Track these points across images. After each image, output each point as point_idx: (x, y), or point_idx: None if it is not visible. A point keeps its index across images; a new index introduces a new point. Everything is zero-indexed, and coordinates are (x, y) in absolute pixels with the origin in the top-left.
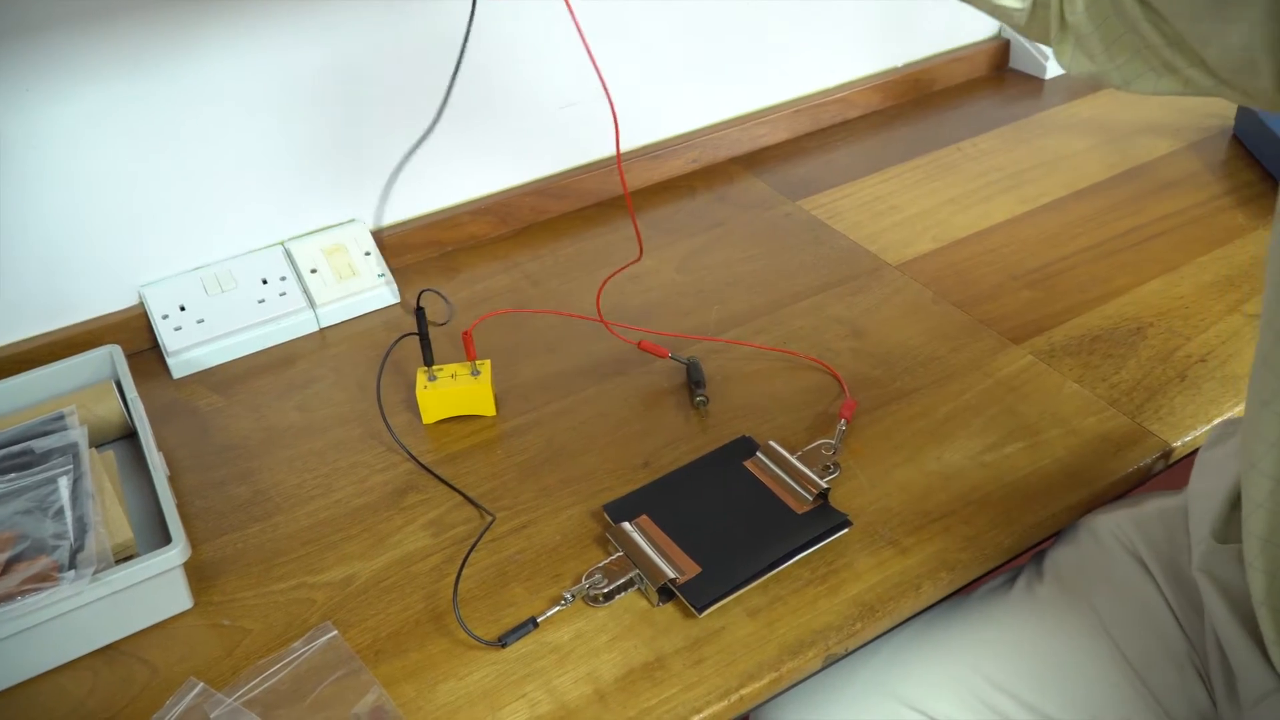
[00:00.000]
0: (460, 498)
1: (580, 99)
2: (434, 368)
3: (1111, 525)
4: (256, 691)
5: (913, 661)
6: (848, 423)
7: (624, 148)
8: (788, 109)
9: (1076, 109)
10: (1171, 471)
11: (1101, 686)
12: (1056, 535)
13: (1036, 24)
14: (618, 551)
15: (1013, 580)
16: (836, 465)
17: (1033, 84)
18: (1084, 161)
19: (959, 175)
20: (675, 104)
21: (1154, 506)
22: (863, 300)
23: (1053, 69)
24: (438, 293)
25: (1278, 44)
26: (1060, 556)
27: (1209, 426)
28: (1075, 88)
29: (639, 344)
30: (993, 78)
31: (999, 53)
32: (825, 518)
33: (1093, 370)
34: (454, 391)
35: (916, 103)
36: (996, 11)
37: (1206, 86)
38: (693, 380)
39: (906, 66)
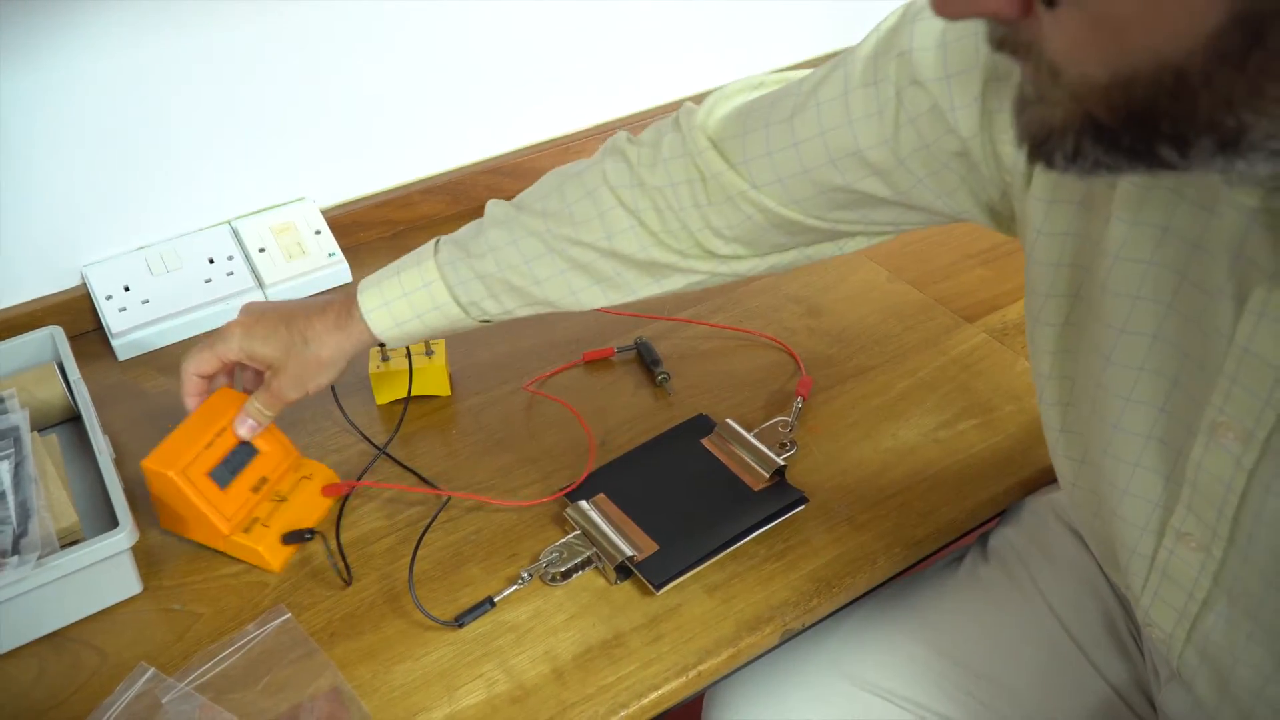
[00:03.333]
0: (415, 478)
1: (537, 77)
2: (387, 348)
3: (1054, 505)
4: (209, 675)
5: (866, 642)
6: (804, 400)
7: (576, 126)
8: None
9: None
10: None
11: (1045, 659)
12: (1000, 516)
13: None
14: (575, 530)
15: (959, 560)
16: (793, 443)
17: None
18: None
19: None
20: (629, 82)
21: None
22: (819, 279)
23: None
24: None
25: (981, 209)
26: (1004, 537)
27: None
28: None
29: (583, 357)
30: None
31: None
32: (782, 495)
33: None
34: (407, 372)
35: None
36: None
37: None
38: (649, 361)
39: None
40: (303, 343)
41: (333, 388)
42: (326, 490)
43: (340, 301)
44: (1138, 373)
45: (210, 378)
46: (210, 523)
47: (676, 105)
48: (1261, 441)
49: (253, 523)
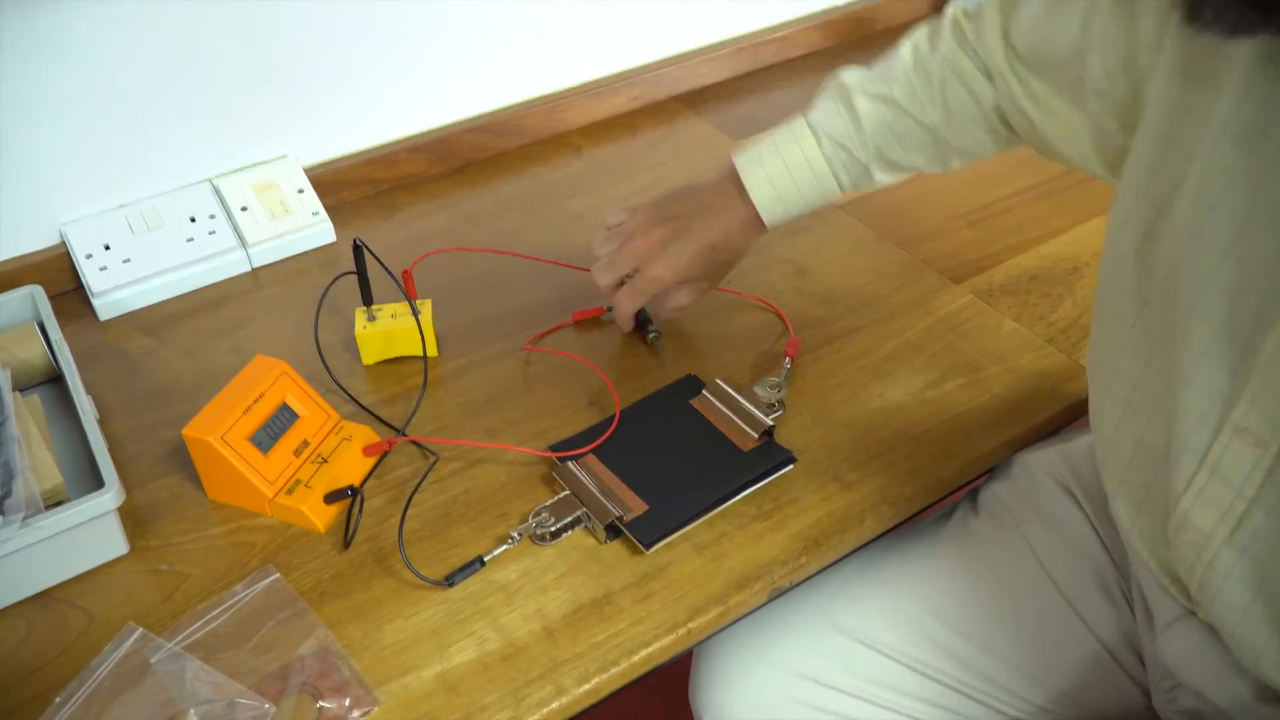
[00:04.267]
0: (402, 438)
1: (523, 34)
2: (373, 307)
3: (1043, 461)
4: (198, 635)
5: (855, 594)
6: (792, 361)
7: (563, 84)
8: (729, 47)
9: None
10: None
11: (1034, 612)
12: (990, 472)
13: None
14: (564, 490)
15: (949, 515)
16: (781, 403)
17: None
18: None
19: None
20: (615, 39)
21: (1084, 442)
22: (806, 240)
23: None
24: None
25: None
26: (994, 492)
27: None
28: None
29: (572, 317)
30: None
31: None
32: (770, 455)
33: (1030, 309)
34: (394, 331)
35: (858, 42)
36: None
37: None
38: (640, 320)
39: (848, 5)
40: (721, 251)
41: (320, 350)
42: (367, 450)
43: (728, 194)
44: (1221, 258)
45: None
46: (254, 487)
47: (669, 61)
48: None
49: (295, 485)
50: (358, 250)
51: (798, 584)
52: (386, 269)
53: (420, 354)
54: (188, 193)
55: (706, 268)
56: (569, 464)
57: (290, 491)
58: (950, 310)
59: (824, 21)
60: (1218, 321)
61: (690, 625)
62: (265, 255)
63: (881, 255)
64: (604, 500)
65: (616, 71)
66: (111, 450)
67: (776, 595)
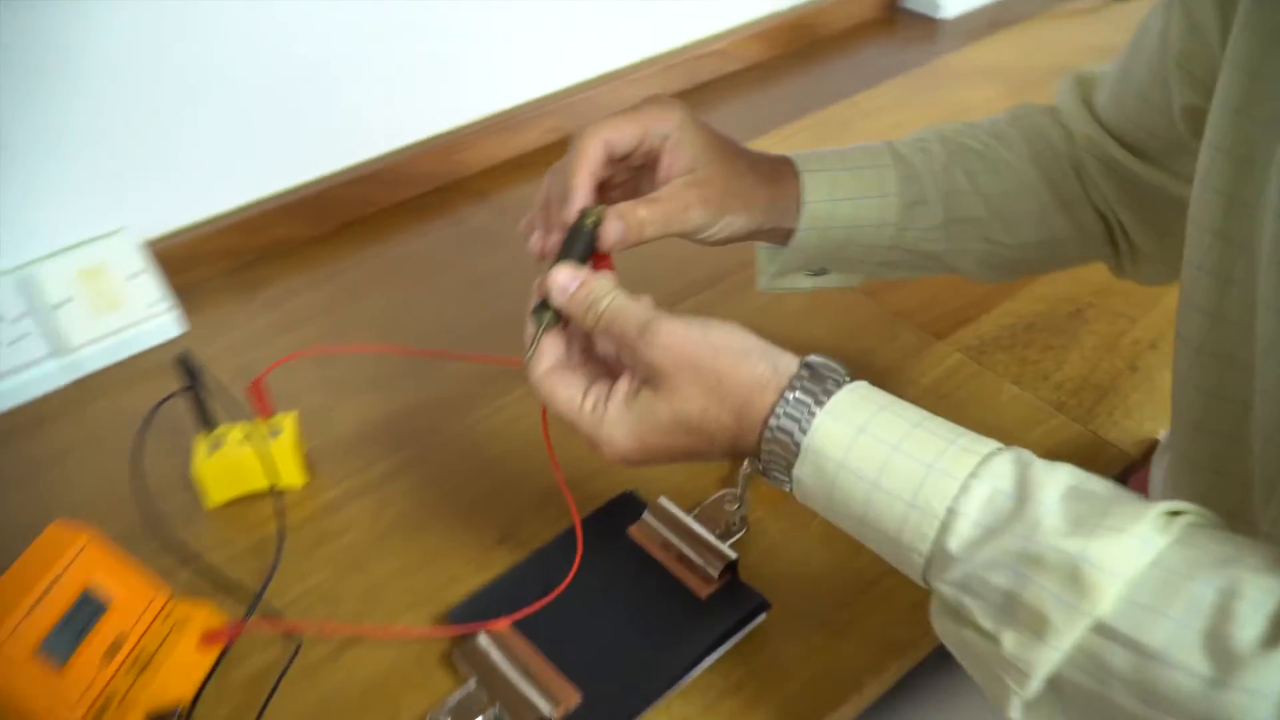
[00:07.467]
0: (251, 619)
1: (416, 62)
2: (218, 431)
3: None
4: None
5: None
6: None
7: (467, 117)
8: (658, 64)
9: (975, 54)
10: (1139, 476)
11: None
12: None
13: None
14: (471, 677)
15: None
16: (743, 521)
17: (926, 25)
18: (989, 114)
19: (852, 135)
20: (525, 62)
21: None
22: (757, 295)
23: (946, 7)
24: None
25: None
26: None
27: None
28: (972, 28)
29: None
30: (883, 19)
31: None
32: (737, 600)
33: (1031, 366)
34: (244, 460)
35: (801, 52)
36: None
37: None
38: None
39: (789, 10)
40: (734, 162)
41: (143, 497)
42: (206, 639)
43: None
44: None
45: (606, 165)
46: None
47: (589, 84)
48: None
49: (107, 704)
50: (183, 363)
51: None
52: (223, 387)
53: (282, 486)
54: None
55: (720, 165)
56: (476, 640)
57: (100, 715)
58: (938, 374)
59: (764, 30)
60: None
61: None
62: (92, 361)
63: (847, 307)
64: (523, 691)
65: (527, 100)
66: None
67: None
